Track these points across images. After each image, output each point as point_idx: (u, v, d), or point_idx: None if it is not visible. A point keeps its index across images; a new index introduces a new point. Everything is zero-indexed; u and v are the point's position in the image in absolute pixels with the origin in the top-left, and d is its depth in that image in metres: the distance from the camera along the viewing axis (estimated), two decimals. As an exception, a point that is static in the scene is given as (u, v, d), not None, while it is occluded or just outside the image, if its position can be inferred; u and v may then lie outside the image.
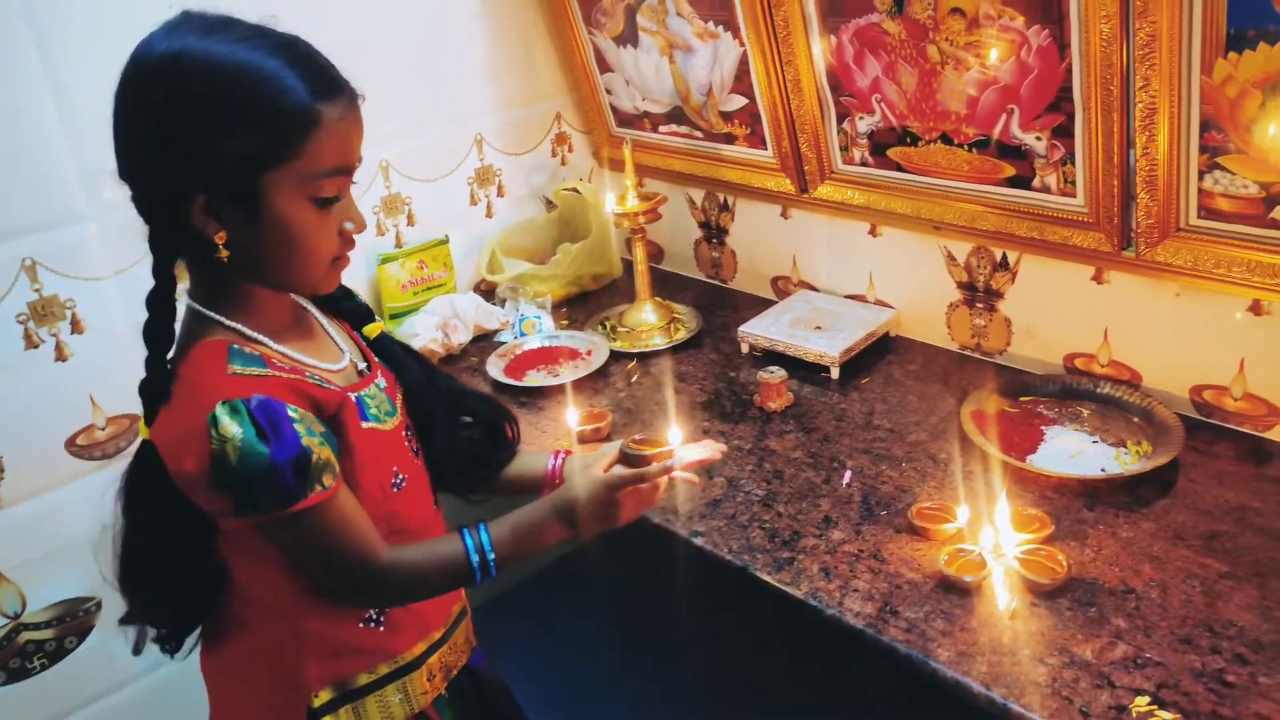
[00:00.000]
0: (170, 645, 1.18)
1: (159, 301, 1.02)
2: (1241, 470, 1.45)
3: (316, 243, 1.02)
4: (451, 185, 2.24)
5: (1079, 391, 1.66)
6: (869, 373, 1.85)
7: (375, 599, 1.13)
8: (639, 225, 2.00)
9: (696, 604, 2.23)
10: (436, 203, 2.21)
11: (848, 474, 1.54)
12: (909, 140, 1.75)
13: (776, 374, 1.74)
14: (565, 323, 2.21)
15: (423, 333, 2.02)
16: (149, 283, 1.69)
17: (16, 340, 1.64)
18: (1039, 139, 1.55)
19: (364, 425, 1.10)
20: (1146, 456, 1.48)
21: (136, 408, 1.71)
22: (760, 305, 2.11)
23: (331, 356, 1.13)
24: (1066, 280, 1.67)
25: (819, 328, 1.92)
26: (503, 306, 2.22)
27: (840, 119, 1.85)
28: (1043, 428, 1.59)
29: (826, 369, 1.84)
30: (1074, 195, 1.56)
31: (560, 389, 1.89)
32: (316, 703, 1.10)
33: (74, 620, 1.77)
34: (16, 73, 1.57)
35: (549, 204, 2.45)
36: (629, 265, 2.25)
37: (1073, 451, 1.52)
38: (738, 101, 2.01)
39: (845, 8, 1.67)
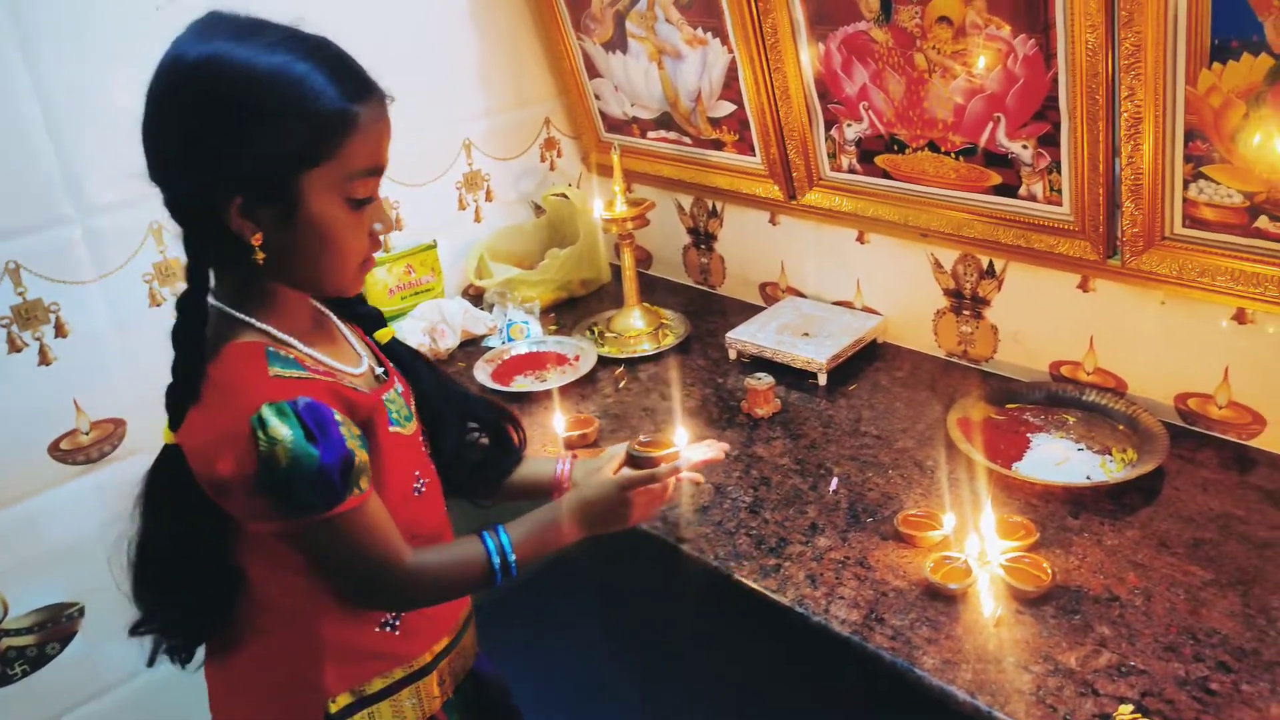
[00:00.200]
0: (182, 655, 1.16)
1: (192, 304, 1.01)
2: (1225, 478, 1.46)
3: (349, 243, 1.03)
4: (440, 190, 2.24)
5: (1065, 399, 1.66)
6: (856, 379, 1.86)
7: (400, 602, 1.13)
8: (627, 231, 2.00)
9: (689, 609, 2.23)
10: (424, 207, 2.21)
11: (834, 481, 1.54)
12: (896, 148, 1.75)
13: (764, 380, 1.74)
14: (553, 328, 2.21)
15: (410, 338, 2.02)
16: (134, 287, 1.73)
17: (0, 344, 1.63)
18: (1025, 147, 1.56)
19: (391, 430, 1.11)
20: (1131, 464, 1.49)
21: (120, 411, 1.75)
22: (749, 311, 2.11)
23: (352, 360, 1.13)
24: (1052, 288, 1.67)
25: (807, 334, 1.92)
26: (490, 312, 2.22)
27: (828, 126, 1.85)
28: (1029, 435, 1.59)
29: (814, 375, 1.85)
30: (1060, 204, 1.57)
31: (548, 394, 1.88)
32: (334, 708, 1.10)
33: (56, 626, 1.76)
34: (0, 76, 1.56)
35: (537, 209, 2.45)
36: (617, 271, 2.24)
37: (1058, 459, 1.52)
38: (726, 108, 2.02)
39: (833, 15, 1.67)
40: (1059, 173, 1.54)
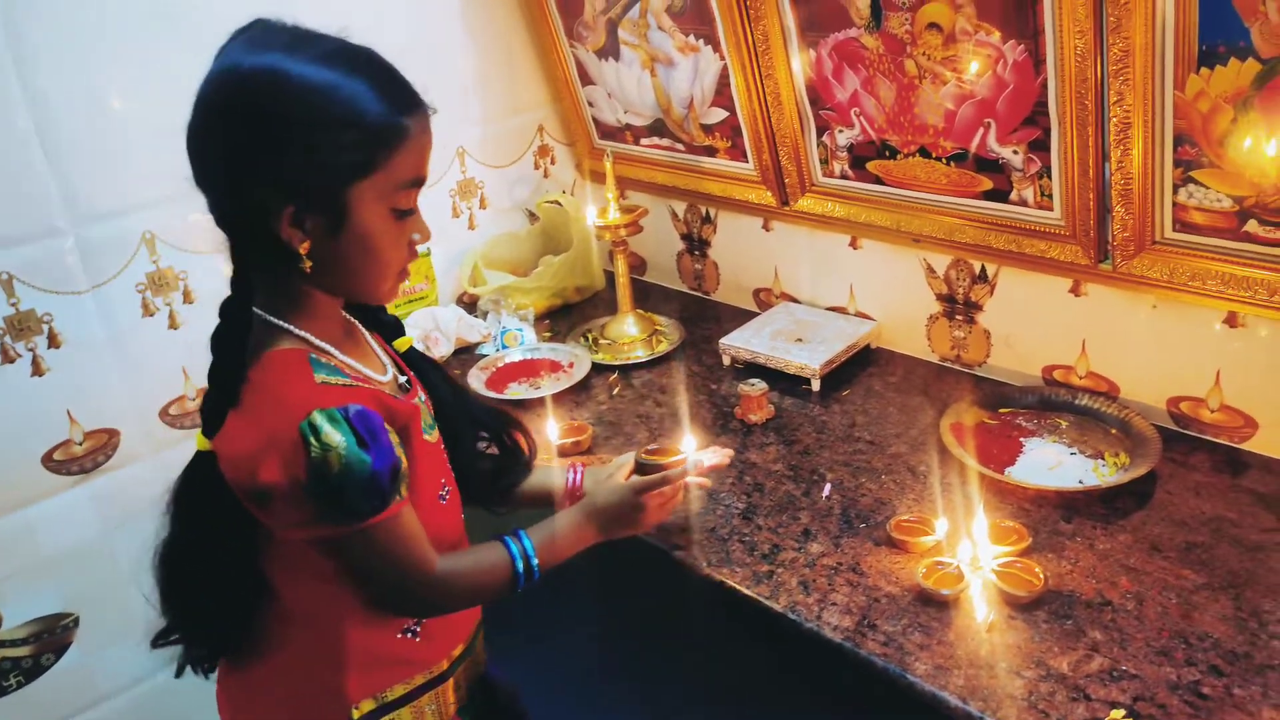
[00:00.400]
0: (205, 666, 1.17)
1: (236, 310, 1.02)
2: (1218, 481, 1.46)
3: (391, 253, 1.05)
4: (434, 198, 2.24)
5: (1057, 403, 1.66)
6: (850, 385, 1.86)
7: (428, 609, 1.15)
8: (620, 238, 2.01)
9: (686, 615, 2.22)
10: (418, 215, 2.20)
11: (827, 487, 1.55)
12: (888, 153, 1.76)
13: (757, 386, 1.75)
14: (548, 335, 2.21)
15: (404, 346, 2.02)
16: (127, 297, 1.73)
17: (-7, 355, 1.64)
18: (1016, 153, 1.56)
19: (424, 437, 1.13)
20: (1124, 468, 1.49)
21: (114, 422, 1.75)
22: (743, 317, 2.11)
23: (379, 368, 1.15)
24: (1044, 292, 1.68)
25: (800, 340, 1.93)
26: (485, 319, 2.22)
27: (820, 132, 1.86)
28: (1021, 440, 1.59)
29: (808, 381, 1.85)
30: (1051, 208, 1.57)
31: (541, 402, 1.88)
32: (357, 715, 1.11)
33: (51, 637, 1.76)
34: (-7, 87, 1.57)
35: (531, 216, 2.45)
36: (612, 277, 2.25)
37: (1051, 463, 1.52)
38: (719, 115, 2.02)
39: (824, 22, 1.68)
40: (1049, 178, 1.54)
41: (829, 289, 2.06)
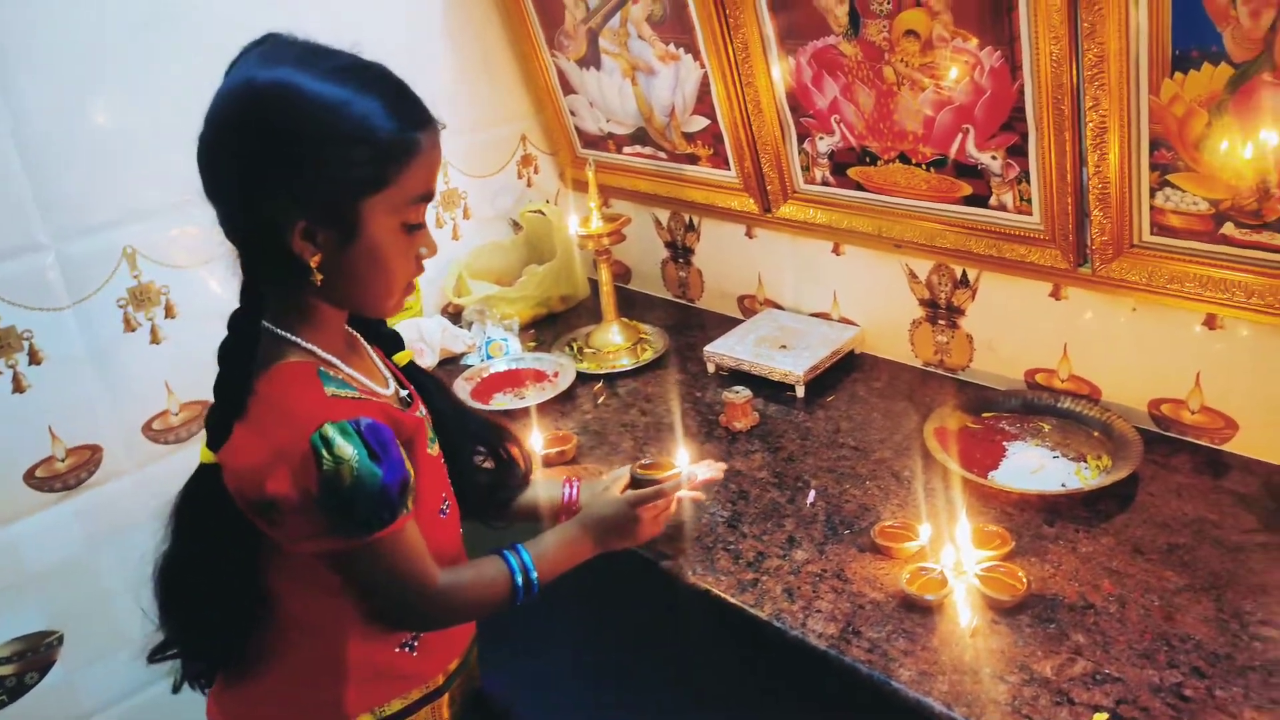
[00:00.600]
0: (203, 681, 1.16)
1: (245, 323, 1.04)
2: (1199, 483, 1.47)
3: (400, 266, 1.07)
4: (417, 208, 2.24)
5: (1040, 407, 1.67)
6: (834, 391, 1.86)
7: (429, 623, 1.15)
8: (603, 246, 2.01)
9: (672, 624, 2.22)
10: (402, 226, 2.20)
11: (812, 493, 1.55)
12: (868, 160, 1.76)
13: (741, 394, 1.75)
14: (533, 344, 2.21)
15: (388, 357, 2.01)
16: (108, 312, 1.72)
17: (-27, 372, 1.63)
18: (994, 158, 1.57)
19: (428, 451, 1.14)
20: (1106, 471, 1.49)
21: (96, 438, 1.74)
22: (728, 324, 2.12)
23: (381, 382, 1.15)
24: (1025, 297, 1.68)
25: (784, 346, 1.93)
26: (469, 329, 2.22)
27: (801, 139, 1.86)
28: (1004, 443, 1.60)
29: (792, 388, 1.85)
30: (1030, 213, 1.58)
31: (526, 412, 1.88)
32: None
33: (35, 656, 1.75)
34: (-29, 103, 1.56)
35: (515, 226, 2.45)
36: (596, 286, 2.25)
37: (1034, 467, 1.53)
38: (700, 122, 2.02)
39: (803, 30, 1.68)
40: (1028, 182, 1.55)
41: (812, 295, 2.07)
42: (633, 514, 1.30)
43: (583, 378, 2.01)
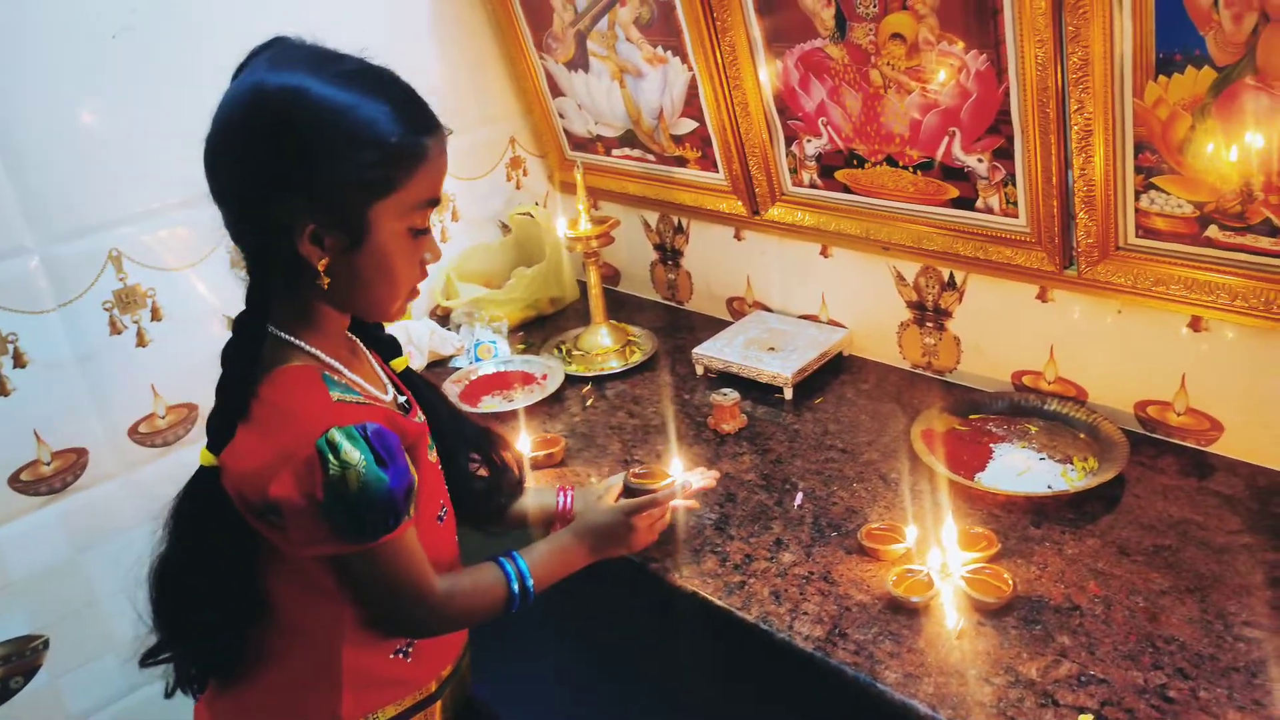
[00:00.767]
0: (196, 686, 1.15)
1: (251, 325, 1.04)
2: (1184, 484, 1.47)
3: (406, 271, 1.07)
4: (405, 211, 2.23)
5: (1027, 409, 1.68)
6: (822, 393, 1.86)
7: (427, 629, 1.15)
8: (592, 249, 2.01)
9: (663, 625, 2.22)
10: (390, 229, 2.20)
11: (799, 496, 1.55)
12: (856, 162, 1.77)
13: (729, 396, 1.75)
14: (521, 347, 2.21)
15: (376, 360, 2.01)
16: (94, 315, 1.71)
17: (-43, 375, 1.62)
18: (980, 161, 1.58)
19: (428, 457, 1.14)
20: (1092, 473, 1.50)
21: (82, 441, 1.73)
22: (717, 326, 2.12)
23: (380, 387, 1.15)
24: (1012, 299, 1.69)
25: (773, 349, 1.93)
26: (458, 332, 2.22)
27: (788, 142, 1.87)
28: (992, 445, 1.60)
29: (780, 390, 1.85)
30: (1016, 215, 1.59)
31: (515, 414, 1.88)
32: None
33: (20, 660, 1.74)
34: (-46, 105, 1.56)
35: (504, 228, 2.45)
36: (585, 288, 2.25)
37: (1020, 469, 1.53)
38: (688, 125, 2.03)
39: (789, 33, 1.68)
40: (1014, 185, 1.56)
41: (801, 297, 2.07)
42: (628, 522, 1.32)
43: (571, 380, 2.01)
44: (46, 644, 1.76)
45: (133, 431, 1.80)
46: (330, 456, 0.95)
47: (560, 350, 2.12)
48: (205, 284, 1.85)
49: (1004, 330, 1.74)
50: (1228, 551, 1.32)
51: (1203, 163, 1.33)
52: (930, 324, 1.84)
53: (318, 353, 1.07)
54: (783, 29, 1.69)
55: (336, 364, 1.08)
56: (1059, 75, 1.38)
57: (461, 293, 2.25)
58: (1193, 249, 1.41)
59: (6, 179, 1.59)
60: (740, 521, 1.51)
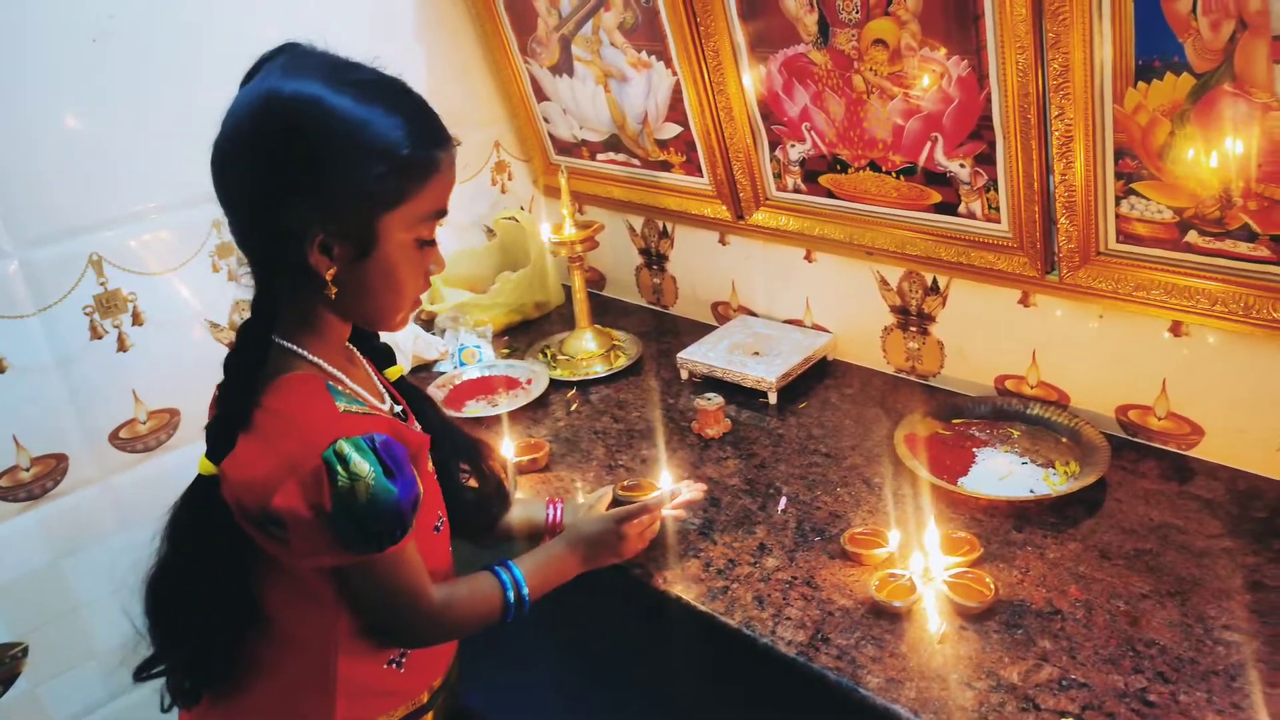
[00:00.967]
0: (190, 699, 1.13)
1: (256, 334, 1.03)
2: (1165, 488, 1.48)
3: (412, 282, 1.07)
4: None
5: (1009, 413, 1.68)
6: (806, 397, 1.87)
7: (424, 639, 1.15)
8: (577, 253, 2.01)
9: (649, 631, 2.22)
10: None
11: (783, 500, 1.55)
12: (839, 167, 1.77)
13: (713, 401, 1.75)
14: (506, 351, 2.21)
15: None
16: (74, 320, 1.70)
17: (-65, 381, 1.61)
18: (963, 166, 1.58)
19: (428, 467, 1.14)
20: (1074, 477, 1.50)
21: (62, 446, 1.72)
22: (702, 330, 2.12)
23: (378, 396, 1.15)
24: (995, 303, 1.69)
25: (757, 353, 1.93)
26: (442, 336, 2.21)
27: (772, 147, 1.87)
28: (974, 450, 1.61)
29: (765, 394, 1.85)
30: (998, 220, 1.59)
31: (498, 419, 1.87)
32: None
33: (0, 668, 1.72)
34: (-68, 109, 1.54)
35: (489, 232, 2.44)
36: (570, 293, 2.25)
37: (1002, 473, 1.54)
38: (673, 130, 2.03)
39: (773, 38, 1.69)
40: (996, 190, 1.56)
41: (785, 302, 2.07)
42: (618, 530, 1.32)
43: (556, 385, 2.01)
44: (26, 651, 1.75)
45: (113, 437, 1.79)
46: (339, 468, 0.95)
47: (545, 355, 2.12)
48: (188, 288, 1.84)
49: (987, 335, 1.74)
50: (1208, 555, 1.33)
51: (1182, 168, 1.33)
52: (914, 328, 1.85)
53: (320, 362, 1.06)
54: (766, 34, 1.70)
55: (338, 373, 1.08)
56: (1040, 81, 1.39)
57: (446, 297, 2.25)
58: (1173, 254, 1.42)
59: (-16, 183, 1.59)
60: (724, 526, 1.50)
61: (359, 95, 0.98)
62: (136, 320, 1.78)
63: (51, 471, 1.73)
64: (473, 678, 1.37)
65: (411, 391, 1.27)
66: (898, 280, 1.83)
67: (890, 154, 1.66)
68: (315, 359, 1.06)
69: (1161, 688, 1.12)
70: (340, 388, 1.06)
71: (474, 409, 1.93)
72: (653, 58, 1.93)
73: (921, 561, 1.33)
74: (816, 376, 1.93)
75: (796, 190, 1.89)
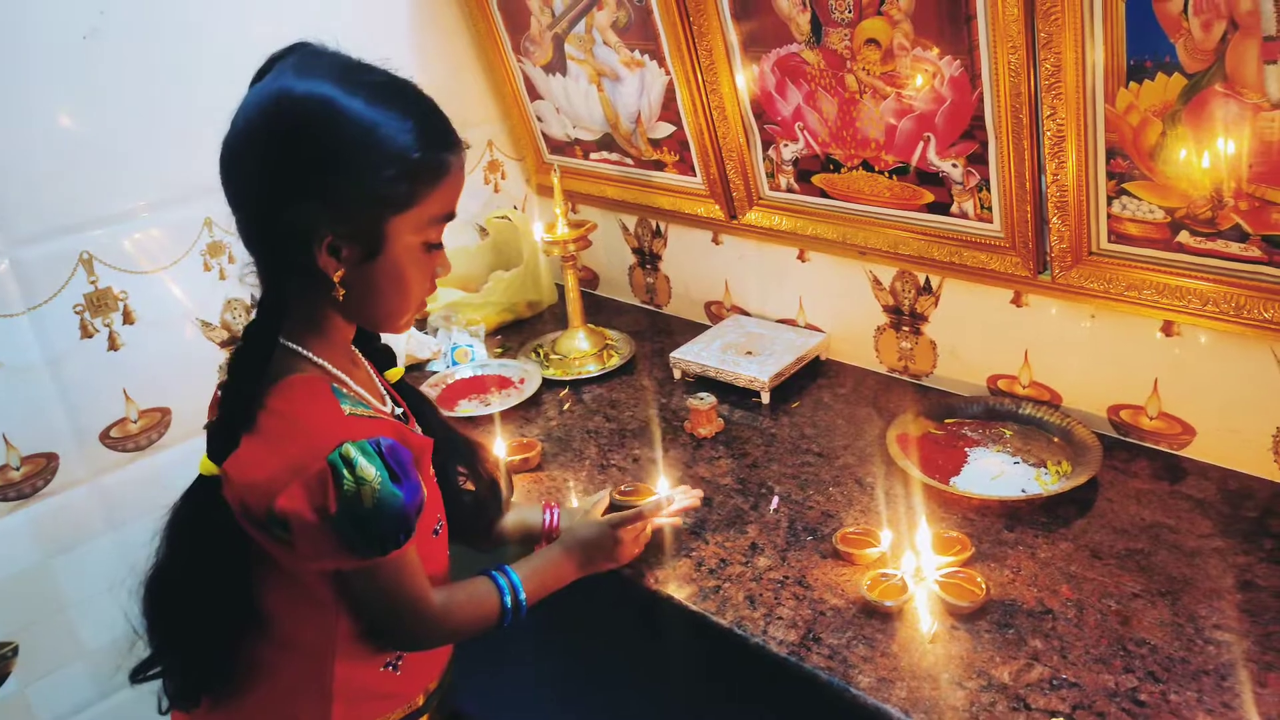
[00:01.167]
0: (189, 701, 1.13)
1: (263, 335, 1.03)
2: (1157, 488, 1.48)
3: (418, 285, 1.07)
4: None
5: (1001, 413, 1.68)
6: (799, 397, 1.87)
7: (422, 642, 1.16)
8: (569, 253, 2.00)
9: (640, 631, 2.22)
10: (367, 232, 2.19)
11: (775, 500, 1.55)
12: (832, 167, 1.77)
13: (706, 400, 1.75)
14: (499, 351, 2.20)
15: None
16: (65, 318, 1.69)
17: (-76, 379, 1.60)
18: (955, 166, 1.58)
19: (430, 471, 1.14)
20: (1066, 476, 1.51)
21: (52, 445, 1.71)
22: (695, 330, 2.12)
23: (379, 398, 1.15)
24: (987, 303, 1.69)
25: (750, 353, 1.93)
26: (435, 336, 2.21)
27: (765, 146, 1.87)
28: (966, 449, 1.61)
29: (757, 394, 1.85)
30: (991, 220, 1.59)
31: (491, 419, 1.87)
32: None
33: (-12, 668, 1.72)
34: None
35: (482, 231, 2.44)
36: (563, 292, 2.24)
37: (994, 473, 1.54)
38: (666, 129, 2.03)
39: (766, 37, 1.69)
40: (988, 190, 1.56)
41: (778, 301, 2.07)
42: (614, 535, 1.33)
43: (548, 384, 2.00)
44: (16, 651, 1.74)
45: (104, 436, 1.78)
46: (345, 472, 0.95)
47: (537, 354, 2.12)
48: (179, 287, 1.84)
49: (979, 334, 1.74)
50: (1199, 555, 1.33)
51: (1174, 169, 1.34)
52: (906, 328, 1.85)
53: (325, 364, 1.06)
54: (759, 34, 1.70)
55: (342, 375, 1.07)
56: (1032, 81, 1.39)
57: (439, 296, 2.24)
58: (1164, 254, 1.42)
59: (-26, 181, 1.58)
60: (716, 526, 1.50)
61: (371, 97, 0.98)
62: (127, 319, 1.77)
63: (42, 471, 1.72)
64: (470, 681, 1.37)
65: (412, 394, 1.27)
66: (890, 280, 1.83)
67: (883, 154, 1.66)
68: (320, 361, 1.06)
69: (1152, 687, 1.12)
70: (344, 390, 1.05)
71: (466, 408, 1.93)
72: (646, 57, 1.93)
73: (913, 561, 1.33)
74: (809, 376, 1.93)
75: (789, 190, 1.89)
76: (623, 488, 1.52)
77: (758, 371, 1.85)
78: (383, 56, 1.05)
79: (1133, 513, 1.43)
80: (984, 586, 1.27)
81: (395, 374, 1.25)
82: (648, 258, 2.32)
